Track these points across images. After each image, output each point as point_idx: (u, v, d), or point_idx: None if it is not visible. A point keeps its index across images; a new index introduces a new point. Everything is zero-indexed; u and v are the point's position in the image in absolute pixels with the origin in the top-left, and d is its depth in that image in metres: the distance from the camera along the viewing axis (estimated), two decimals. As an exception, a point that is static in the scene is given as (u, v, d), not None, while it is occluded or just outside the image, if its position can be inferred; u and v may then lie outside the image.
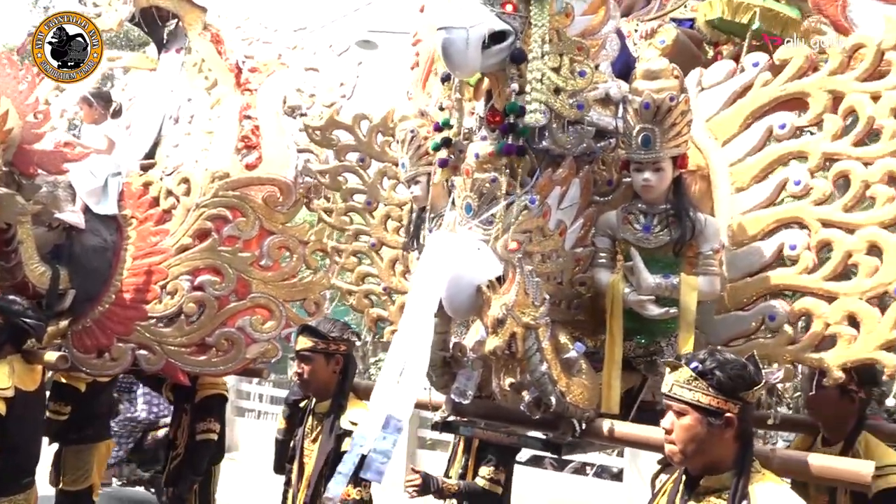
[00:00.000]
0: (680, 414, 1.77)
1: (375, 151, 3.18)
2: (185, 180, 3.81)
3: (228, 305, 3.75)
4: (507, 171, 2.04)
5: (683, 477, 1.85)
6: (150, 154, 4.10)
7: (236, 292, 3.77)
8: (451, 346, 2.29)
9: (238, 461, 8.08)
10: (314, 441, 2.92)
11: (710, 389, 1.74)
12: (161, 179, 3.88)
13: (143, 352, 3.64)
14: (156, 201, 3.85)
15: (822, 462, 1.94)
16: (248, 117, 4.06)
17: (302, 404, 3.12)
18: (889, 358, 1.97)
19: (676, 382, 1.79)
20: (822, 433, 2.62)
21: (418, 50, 3.58)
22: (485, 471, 3.08)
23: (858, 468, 1.88)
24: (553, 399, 2.05)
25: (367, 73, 4.47)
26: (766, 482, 1.74)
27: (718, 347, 2.02)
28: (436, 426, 2.51)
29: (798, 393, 4.83)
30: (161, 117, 4.14)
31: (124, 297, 3.68)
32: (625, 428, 2.14)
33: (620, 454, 6.59)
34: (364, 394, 3.02)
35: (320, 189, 3.51)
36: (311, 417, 2.99)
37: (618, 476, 6.73)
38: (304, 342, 2.92)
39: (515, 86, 1.99)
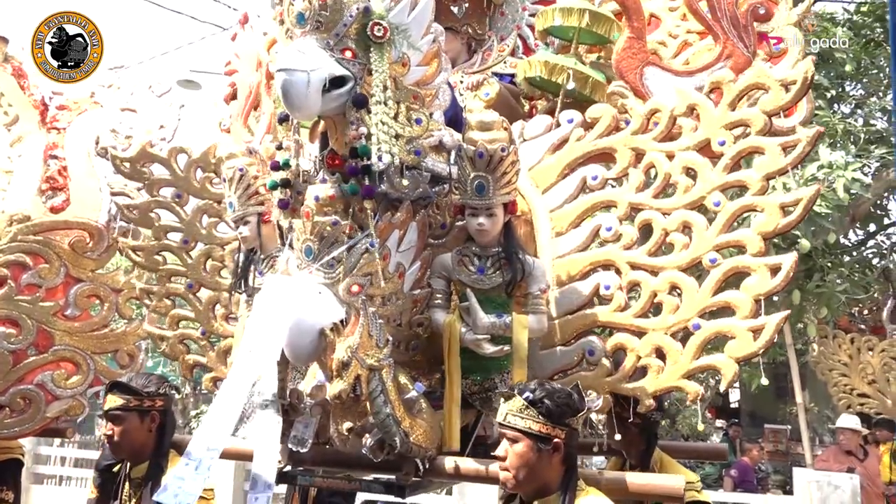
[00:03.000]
0: (513, 441, 1.90)
1: (194, 187, 3.05)
2: (-23, 223, 3.40)
3: (26, 360, 3.36)
4: (349, 214, 2.06)
5: None
6: (-68, 193, 3.61)
7: (36, 345, 3.40)
8: (287, 392, 2.24)
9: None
10: None
11: (540, 417, 1.88)
12: (-53, 221, 3.43)
13: (-83, 415, 3.16)
14: (-61, 245, 3.40)
15: (643, 480, 2.14)
16: (55, 157, 3.76)
17: (116, 469, 2.85)
18: (690, 386, 2.21)
19: (510, 412, 1.91)
20: (626, 457, 2.87)
21: (234, 80, 3.52)
22: None
23: (672, 483, 2.09)
24: (397, 440, 2.06)
25: (190, 114, 4.31)
26: (590, 496, 1.91)
27: (546, 379, 2.17)
28: (272, 478, 2.41)
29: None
30: (-53, 152, 3.69)
31: None
32: (468, 464, 2.20)
33: (449, 493, 6.70)
34: (188, 449, 2.84)
35: (138, 233, 3.29)
36: (126, 483, 2.73)
37: (446, 517, 6.82)
38: (114, 400, 2.68)
39: (364, 129, 2.03)
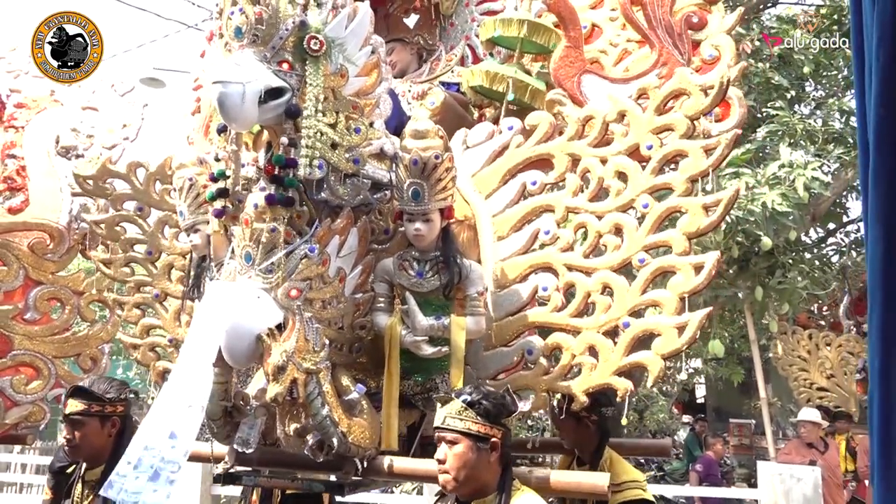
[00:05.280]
0: (452, 443, 1.96)
1: (154, 200, 3.12)
2: (-68, 226, 3.43)
3: (-17, 365, 3.40)
4: (286, 220, 2.12)
5: None
6: None
7: (-7, 350, 3.44)
8: (232, 395, 2.30)
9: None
10: None
11: (478, 418, 1.96)
12: None
13: None
14: None
15: (569, 478, 2.22)
16: (13, 156, 3.77)
17: (69, 471, 2.87)
18: (621, 382, 2.28)
19: (448, 414, 1.98)
20: (576, 454, 2.94)
21: (199, 95, 3.57)
22: None
23: (595, 480, 2.17)
24: (335, 440, 2.12)
25: (154, 113, 4.35)
26: (525, 495, 1.97)
27: (482, 381, 2.25)
28: (218, 478, 2.47)
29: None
30: None
31: None
32: (403, 463, 2.27)
33: (420, 492, 6.77)
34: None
35: (97, 238, 3.34)
36: (80, 485, 2.76)
37: (417, 514, 6.90)
38: (75, 405, 2.71)
39: (285, 139, 2.09)
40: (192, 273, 2.80)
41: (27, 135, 3.82)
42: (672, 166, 2.41)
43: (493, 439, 1.96)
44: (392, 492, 6.96)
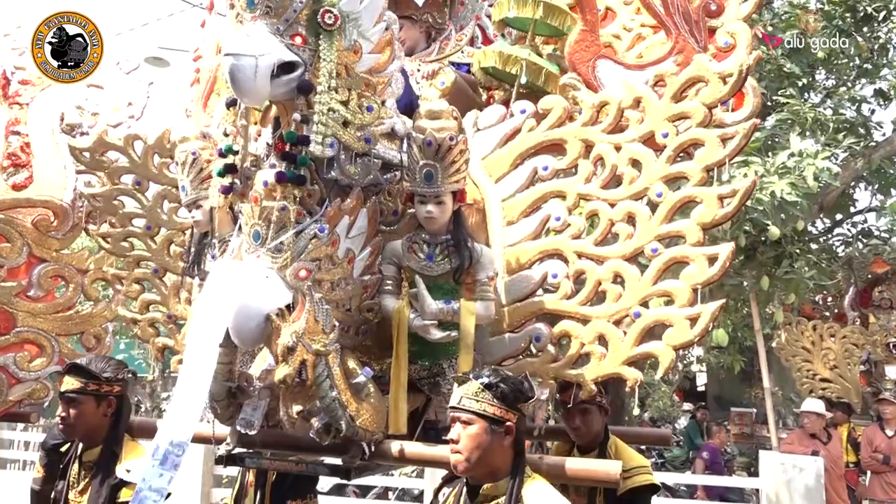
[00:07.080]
0: (467, 423, 1.93)
1: (152, 173, 3.10)
2: (-64, 201, 3.40)
3: (-13, 342, 3.38)
4: (297, 199, 2.08)
5: (465, 488, 2.00)
6: None
7: (-3, 327, 3.43)
8: (236, 376, 2.28)
9: (-2, 518, 7.13)
10: (82, 492, 2.66)
11: (494, 400, 1.93)
12: None
13: None
14: None
15: (580, 465, 2.20)
16: (17, 133, 3.74)
17: (63, 449, 2.81)
18: (630, 372, 2.26)
19: (465, 395, 1.95)
20: (576, 443, 2.92)
21: (199, 66, 3.53)
22: None
23: (608, 468, 2.16)
24: (343, 423, 2.10)
25: (159, 92, 4.31)
26: (536, 482, 1.95)
27: (498, 365, 2.22)
28: (220, 460, 2.45)
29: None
30: None
31: None
32: (413, 447, 2.24)
33: (420, 475, 6.79)
34: (139, 432, 2.85)
35: (103, 215, 3.30)
36: (76, 465, 2.71)
37: (419, 498, 6.94)
38: (71, 382, 2.66)
39: (297, 115, 2.04)
40: (192, 249, 2.77)
41: (32, 111, 3.80)
42: (684, 154, 2.37)
43: (508, 423, 1.94)
44: (392, 474, 6.97)
